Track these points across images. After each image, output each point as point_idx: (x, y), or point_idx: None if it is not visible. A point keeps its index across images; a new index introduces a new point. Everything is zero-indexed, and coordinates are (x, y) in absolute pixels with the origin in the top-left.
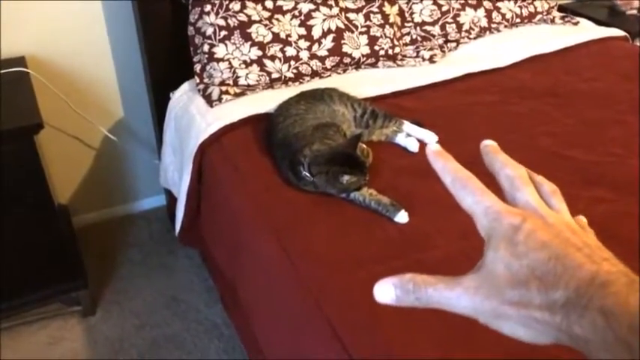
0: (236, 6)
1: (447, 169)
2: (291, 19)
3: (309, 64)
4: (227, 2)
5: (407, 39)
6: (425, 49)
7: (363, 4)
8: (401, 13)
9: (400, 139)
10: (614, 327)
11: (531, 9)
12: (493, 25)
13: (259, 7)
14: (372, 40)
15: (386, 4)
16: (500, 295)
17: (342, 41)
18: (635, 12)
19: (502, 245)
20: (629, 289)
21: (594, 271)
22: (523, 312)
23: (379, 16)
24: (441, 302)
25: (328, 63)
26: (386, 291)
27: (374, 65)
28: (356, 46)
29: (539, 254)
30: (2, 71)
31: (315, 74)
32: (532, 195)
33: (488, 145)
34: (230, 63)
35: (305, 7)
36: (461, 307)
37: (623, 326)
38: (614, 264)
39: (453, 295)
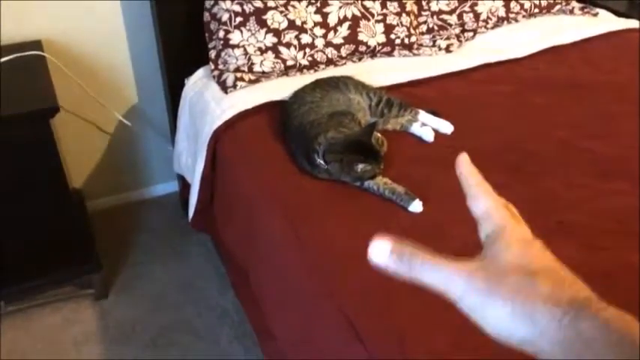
0: None
1: (474, 174)
2: (307, 6)
3: (324, 52)
4: None
5: (423, 28)
6: (441, 39)
7: None
8: (418, 1)
9: (415, 129)
10: (625, 330)
11: None
12: (511, 15)
13: None
14: (389, 29)
15: None
16: (501, 278)
17: (358, 29)
18: None
19: (516, 242)
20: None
21: (606, 305)
22: (521, 299)
23: (396, 4)
24: (432, 278)
25: (344, 51)
26: (381, 251)
27: (390, 54)
28: (372, 34)
29: (553, 264)
30: (19, 55)
31: (330, 62)
32: None
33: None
34: (245, 49)
35: None
36: (452, 286)
37: (636, 330)
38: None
39: (448, 272)
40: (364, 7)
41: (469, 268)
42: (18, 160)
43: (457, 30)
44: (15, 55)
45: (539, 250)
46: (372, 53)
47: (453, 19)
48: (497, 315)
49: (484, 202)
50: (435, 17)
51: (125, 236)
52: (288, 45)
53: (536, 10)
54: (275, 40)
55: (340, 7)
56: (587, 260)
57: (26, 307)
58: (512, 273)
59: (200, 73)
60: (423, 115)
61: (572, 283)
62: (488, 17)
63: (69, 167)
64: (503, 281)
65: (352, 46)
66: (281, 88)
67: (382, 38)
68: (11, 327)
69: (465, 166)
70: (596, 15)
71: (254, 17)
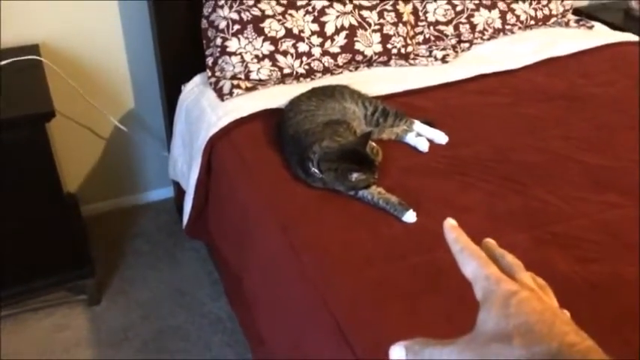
0: (250, 0)
1: (459, 240)
2: (304, 15)
3: (321, 61)
4: None
5: (420, 38)
6: (438, 49)
7: (377, 1)
8: (415, 12)
9: (410, 139)
10: None
11: (546, 11)
12: (507, 27)
13: (273, 1)
14: (385, 39)
15: (400, 2)
16: (484, 349)
17: (355, 38)
18: None
19: (495, 306)
20: None
21: (579, 341)
22: None
23: (393, 14)
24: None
25: (340, 60)
26: (398, 352)
27: (386, 64)
28: (369, 43)
29: (528, 317)
30: (16, 59)
31: (326, 71)
32: (528, 278)
33: (489, 241)
34: (242, 57)
35: (319, 4)
36: None
37: None
38: (594, 344)
39: (446, 352)
40: (361, 16)
41: (461, 344)
42: (13, 164)
43: (453, 41)
44: (12, 60)
45: (517, 304)
46: (369, 62)
47: (449, 29)
48: None
49: (470, 268)
50: (431, 28)
51: (119, 241)
52: (285, 53)
53: (532, 23)
54: (272, 48)
55: (337, 17)
56: (579, 272)
57: (19, 312)
58: (493, 341)
59: (197, 79)
60: (418, 125)
61: (546, 333)
62: (484, 28)
63: (64, 171)
64: (486, 352)
65: (349, 55)
66: (277, 96)
67: (379, 48)
68: (3, 331)
69: (450, 232)
70: (591, 28)
71: (252, 25)
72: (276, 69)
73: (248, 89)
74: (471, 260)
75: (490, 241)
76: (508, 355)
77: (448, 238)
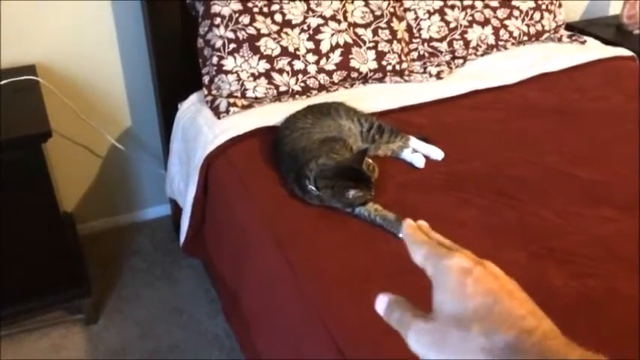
0: (245, 19)
1: (415, 236)
2: (299, 33)
3: (316, 78)
4: (237, 15)
5: (414, 55)
6: (432, 65)
7: (372, 19)
8: (409, 29)
9: (406, 155)
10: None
11: (539, 27)
12: (500, 43)
13: (268, 20)
14: (380, 56)
15: (394, 19)
16: (444, 335)
17: (350, 56)
18: None
19: (451, 285)
20: (568, 348)
21: (536, 325)
22: (462, 355)
23: (387, 31)
24: (404, 330)
25: (336, 77)
26: (381, 302)
27: (381, 80)
28: (364, 60)
29: (485, 298)
30: (13, 79)
31: (322, 88)
32: (470, 254)
33: (424, 224)
34: (238, 75)
35: (314, 22)
36: (411, 343)
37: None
38: (551, 324)
39: (411, 326)
40: (356, 34)
41: (422, 325)
42: (9, 184)
43: (447, 57)
44: (9, 80)
45: (473, 283)
46: (364, 79)
47: (443, 46)
48: None
49: (419, 252)
50: (425, 44)
51: (116, 260)
52: (280, 71)
53: (525, 38)
54: (268, 66)
55: (332, 35)
56: (575, 287)
57: (15, 333)
58: (452, 328)
59: (193, 98)
60: (414, 142)
61: (504, 319)
62: (477, 45)
63: (61, 190)
64: (445, 339)
65: (344, 73)
66: (273, 114)
67: (374, 65)
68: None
69: (404, 230)
70: (584, 43)
71: (247, 44)
72: (272, 87)
73: (244, 107)
74: (421, 245)
75: (425, 224)
76: (467, 344)
77: (405, 234)
